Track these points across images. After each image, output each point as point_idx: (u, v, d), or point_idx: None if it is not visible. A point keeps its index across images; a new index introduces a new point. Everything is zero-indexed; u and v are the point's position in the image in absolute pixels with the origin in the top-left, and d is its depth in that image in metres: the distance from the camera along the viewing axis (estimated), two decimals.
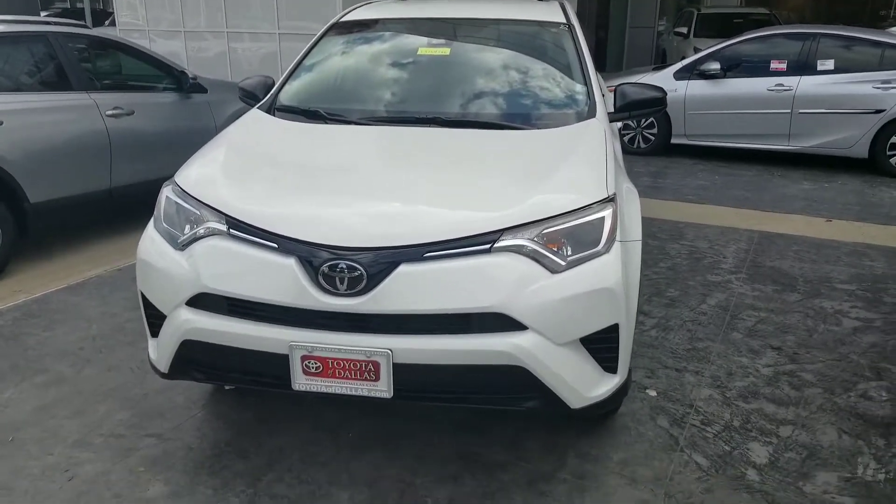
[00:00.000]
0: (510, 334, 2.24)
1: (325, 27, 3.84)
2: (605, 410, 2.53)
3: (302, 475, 2.63)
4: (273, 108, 3.38)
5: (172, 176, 2.80)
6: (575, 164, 2.67)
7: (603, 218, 2.42)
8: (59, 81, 4.95)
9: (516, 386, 2.31)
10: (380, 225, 2.33)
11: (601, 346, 2.39)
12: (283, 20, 9.25)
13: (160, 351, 2.57)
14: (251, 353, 2.35)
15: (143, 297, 2.63)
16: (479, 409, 2.91)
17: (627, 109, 3.37)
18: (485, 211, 2.36)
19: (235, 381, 2.53)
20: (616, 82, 3.88)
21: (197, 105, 5.86)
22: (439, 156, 2.80)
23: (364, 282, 2.22)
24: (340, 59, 3.69)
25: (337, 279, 2.23)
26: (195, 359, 2.48)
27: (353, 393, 2.31)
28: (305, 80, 3.57)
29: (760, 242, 5.35)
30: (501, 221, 2.31)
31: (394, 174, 2.66)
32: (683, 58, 8.95)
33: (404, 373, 2.26)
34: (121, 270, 4.66)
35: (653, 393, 3.20)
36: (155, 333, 2.64)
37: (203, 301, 2.40)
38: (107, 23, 13.92)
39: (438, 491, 2.55)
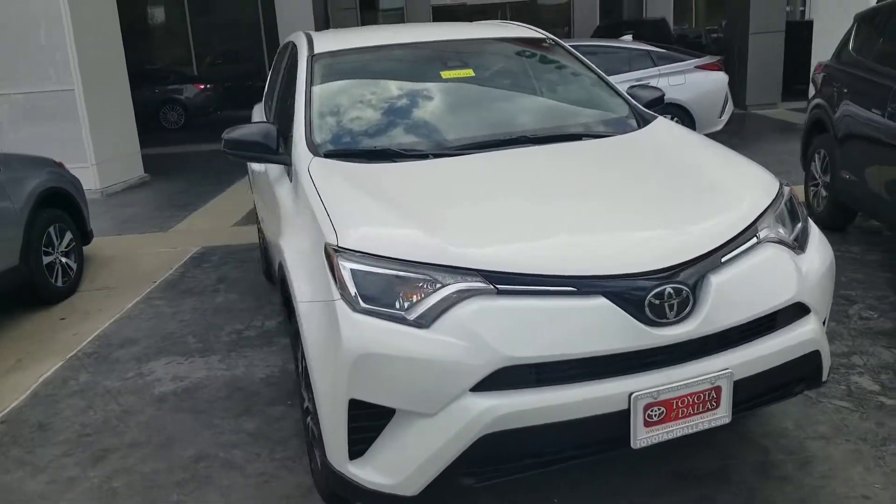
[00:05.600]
0: (801, 322, 2.22)
1: (305, 64, 3.22)
2: None
3: None
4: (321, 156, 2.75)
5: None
6: (727, 159, 2.73)
7: (793, 194, 2.53)
8: None
9: (801, 372, 2.29)
10: (666, 240, 2.12)
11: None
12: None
13: (408, 465, 1.96)
14: (573, 424, 1.93)
15: (363, 404, 1.98)
16: None
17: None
18: (728, 207, 2.31)
19: (535, 468, 2.03)
20: None
21: None
22: (598, 170, 2.63)
23: (691, 303, 2.00)
24: (356, 94, 3.17)
25: (666, 307, 1.97)
26: (488, 456, 1.95)
27: (693, 430, 2.05)
28: (334, 122, 3.00)
29: None
30: (751, 213, 2.28)
31: (592, 193, 2.44)
32: None
33: (739, 390, 2.08)
34: None
35: None
36: (361, 451, 2.02)
37: (499, 379, 1.90)
38: None
39: None
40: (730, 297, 2.06)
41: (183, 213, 7.34)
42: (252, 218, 6.69)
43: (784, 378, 2.24)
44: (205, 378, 3.61)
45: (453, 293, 1.95)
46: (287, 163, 2.87)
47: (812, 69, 9.11)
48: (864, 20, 4.78)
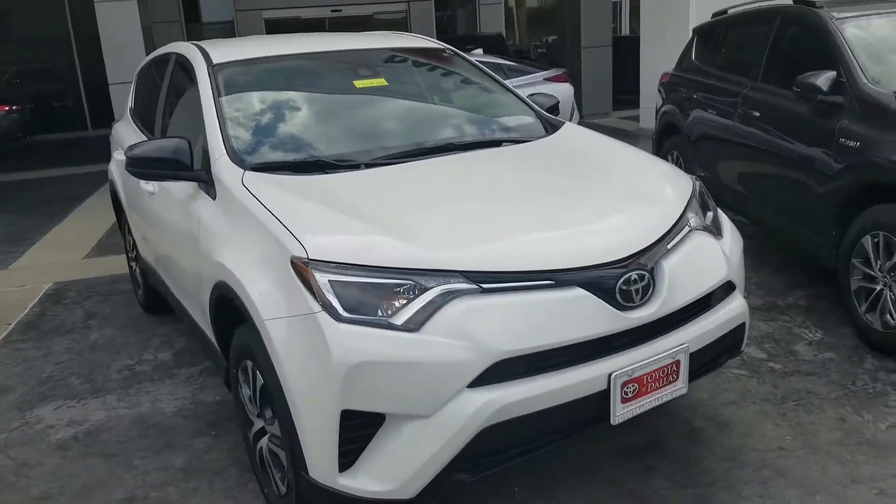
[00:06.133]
0: (730, 299, 2.50)
1: (207, 76, 3.04)
2: None
3: None
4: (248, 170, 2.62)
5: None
6: (643, 158, 2.97)
7: (704, 188, 2.82)
8: None
9: (730, 342, 2.55)
10: (622, 231, 2.30)
11: None
12: None
13: (406, 467, 1.97)
14: (562, 407, 2.03)
15: (354, 414, 1.95)
16: None
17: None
18: (660, 199, 2.53)
19: (525, 453, 2.11)
20: None
21: None
22: (534, 173, 2.77)
23: (653, 286, 2.19)
24: (271, 105, 3.07)
25: (632, 292, 2.13)
26: (485, 449, 2.00)
27: (659, 403, 2.23)
28: (254, 135, 2.87)
29: None
30: (679, 203, 2.51)
31: (538, 194, 2.57)
32: None
33: (693, 362, 2.29)
34: None
35: None
36: (351, 462, 2.00)
37: (493, 374, 1.96)
38: None
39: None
40: (680, 280, 2.27)
41: (19, 248, 6.57)
42: (107, 248, 6.16)
43: (719, 349, 2.50)
44: (106, 419, 3.29)
45: (438, 296, 1.98)
46: (204, 179, 2.72)
47: (640, 79, 10.10)
48: (703, 33, 5.40)
